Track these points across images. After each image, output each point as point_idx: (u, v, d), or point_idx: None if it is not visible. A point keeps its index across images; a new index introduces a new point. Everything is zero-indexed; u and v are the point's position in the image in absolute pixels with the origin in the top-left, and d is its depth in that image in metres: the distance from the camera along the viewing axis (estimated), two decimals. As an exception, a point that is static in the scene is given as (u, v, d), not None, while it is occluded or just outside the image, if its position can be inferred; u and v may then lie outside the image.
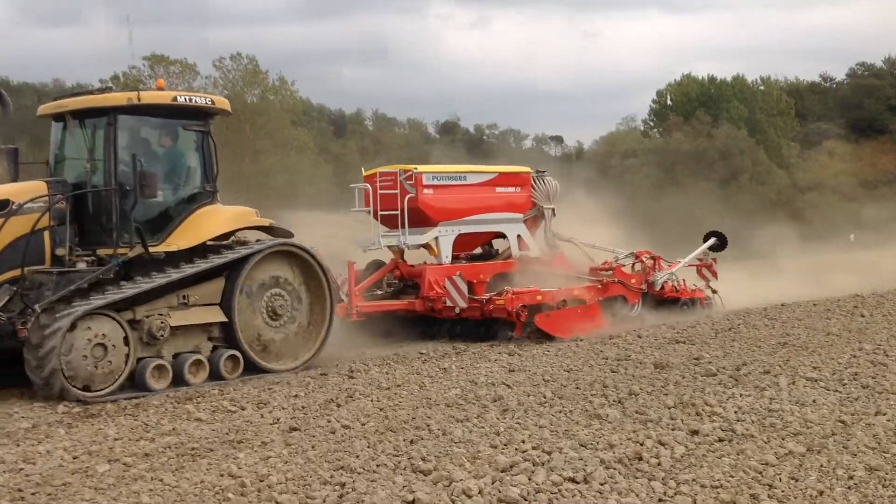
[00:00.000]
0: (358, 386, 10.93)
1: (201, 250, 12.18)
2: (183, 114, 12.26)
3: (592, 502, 6.15)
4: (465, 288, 14.84)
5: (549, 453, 7.23)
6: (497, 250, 17.51)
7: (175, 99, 12.06)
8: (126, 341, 11.04)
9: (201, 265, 11.88)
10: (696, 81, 67.47)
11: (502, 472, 6.82)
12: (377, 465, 7.24)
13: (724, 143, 55.53)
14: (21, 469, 7.48)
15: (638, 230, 22.83)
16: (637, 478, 6.66)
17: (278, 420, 9.17)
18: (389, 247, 15.81)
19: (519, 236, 17.02)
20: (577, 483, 6.52)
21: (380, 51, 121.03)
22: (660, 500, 6.21)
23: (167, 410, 9.83)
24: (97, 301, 10.81)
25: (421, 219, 15.76)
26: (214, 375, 11.74)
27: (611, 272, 16.88)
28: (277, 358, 12.53)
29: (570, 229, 18.03)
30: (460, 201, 16.15)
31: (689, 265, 18.72)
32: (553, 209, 17.63)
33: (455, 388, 10.48)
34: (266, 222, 13.15)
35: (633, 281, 17.16)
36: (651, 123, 69.70)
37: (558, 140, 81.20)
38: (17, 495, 6.74)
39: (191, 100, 12.28)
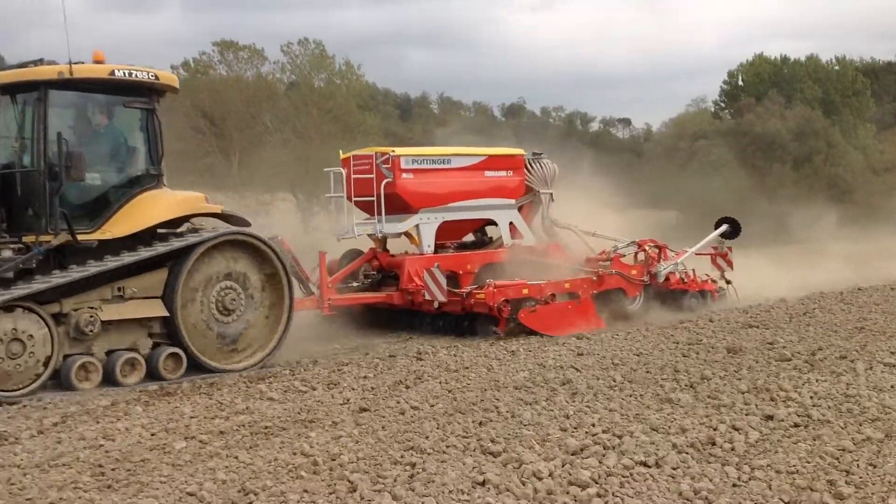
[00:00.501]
0: (426, 368, 10.98)
1: (148, 239, 11.26)
2: (123, 89, 11.23)
3: (665, 486, 6.09)
4: (443, 280, 13.71)
5: (619, 437, 7.18)
6: (491, 238, 16.54)
7: (113, 73, 11.01)
8: (50, 336, 10.20)
9: (142, 254, 10.94)
10: (769, 62, 65.90)
11: (572, 454, 6.79)
12: (447, 447, 7.28)
13: (797, 124, 54.21)
14: (101, 445, 7.68)
15: (695, 214, 22.41)
16: (710, 462, 6.57)
17: (348, 400, 9.27)
18: (370, 235, 14.87)
19: (511, 224, 15.92)
20: (649, 467, 6.47)
21: (446, 34, 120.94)
22: (734, 485, 6.12)
23: (240, 390, 10.00)
24: (16, 291, 9.97)
25: (400, 205, 14.72)
26: (155, 375, 10.88)
27: (608, 263, 15.47)
28: (227, 356, 11.59)
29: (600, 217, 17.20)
30: (444, 186, 15.08)
31: (699, 254, 17.21)
32: (551, 194, 16.45)
33: (523, 371, 10.46)
34: (217, 209, 12.10)
35: (634, 272, 15.69)
36: (722, 105, 68.36)
37: (626, 122, 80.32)
38: (98, 471, 6.93)
39: (130, 74, 11.13)
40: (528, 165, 16.14)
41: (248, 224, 12.16)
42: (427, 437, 7.54)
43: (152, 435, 8.02)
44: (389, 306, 14.64)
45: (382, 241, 15.04)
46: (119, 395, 10.00)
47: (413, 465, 6.74)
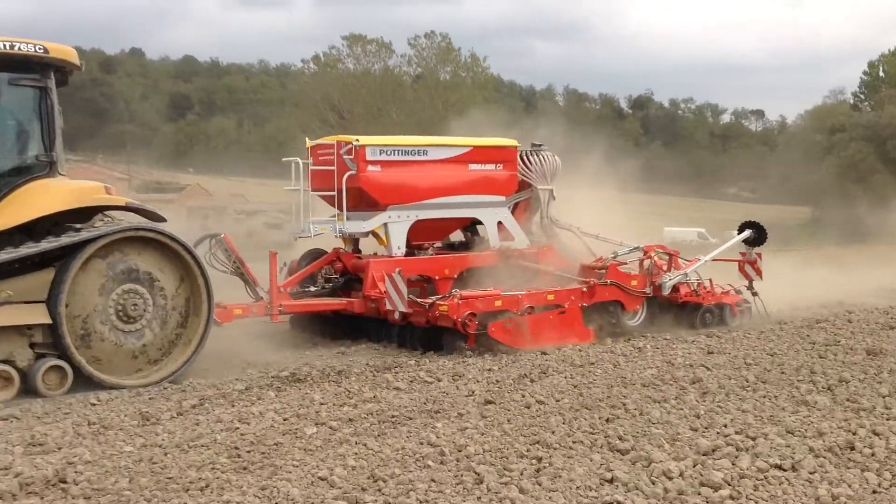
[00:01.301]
0: (551, 362, 10.91)
1: (43, 234, 9.86)
2: (6, 65, 9.79)
3: (801, 491, 5.90)
4: (404, 288, 11.80)
5: (753, 439, 6.98)
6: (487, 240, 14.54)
7: None
8: None
9: (20, 251, 9.51)
10: (913, 51, 62.87)
11: (704, 455, 6.65)
12: (573, 442, 7.23)
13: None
14: (237, 428, 7.94)
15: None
16: (849, 468, 6.34)
17: (473, 392, 9.30)
18: (339, 235, 13.16)
19: (500, 223, 14.13)
20: (785, 470, 6.27)
21: (572, 25, 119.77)
22: (874, 491, 5.89)
23: (367, 379, 10.17)
24: None
25: (365, 201, 13.10)
26: (35, 391, 9.45)
27: (604, 271, 13.27)
28: (128, 369, 10.12)
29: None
30: (419, 180, 13.33)
31: (717, 260, 14.99)
32: (551, 190, 14.73)
33: (651, 369, 10.29)
34: (121, 201, 10.60)
35: (634, 283, 13.38)
36: (862, 96, 65.56)
37: (759, 114, 77.89)
38: (234, 452, 7.17)
39: (12, 46, 9.66)
40: (525, 158, 14.48)
41: (161, 219, 10.57)
42: (553, 432, 7.50)
43: (284, 420, 8.24)
44: (353, 315, 12.97)
45: (354, 241, 13.61)
46: (253, 379, 10.31)
47: (539, 460, 6.72)
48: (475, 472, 6.45)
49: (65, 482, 6.38)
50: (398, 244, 13.15)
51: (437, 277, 13.10)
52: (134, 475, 6.54)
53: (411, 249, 13.47)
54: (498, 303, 11.88)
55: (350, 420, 8.18)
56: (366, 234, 13.34)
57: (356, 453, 7.09)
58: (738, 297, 14.44)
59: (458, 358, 11.45)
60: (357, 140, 12.79)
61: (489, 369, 10.61)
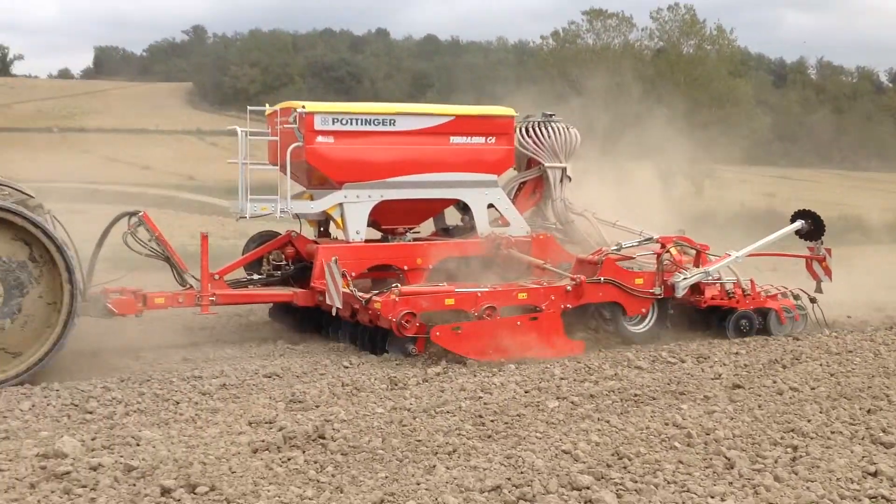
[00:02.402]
0: (804, 348, 10.36)
1: None
2: None
3: None
4: (340, 280, 10.06)
5: None
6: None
7: None
8: None
9: None
10: None
11: (984, 455, 6.08)
12: (831, 432, 6.85)
13: None
14: (480, 397, 8.10)
15: None
16: None
17: (720, 376, 8.99)
18: (297, 216, 11.57)
19: (492, 206, 12.03)
20: None
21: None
22: None
23: (608, 357, 10.05)
24: None
25: (315, 178, 11.48)
26: None
27: (599, 265, 10.77)
28: None
29: None
30: (383, 155, 11.31)
31: (753, 255, 12.15)
32: (564, 169, 12.57)
33: (917, 359, 9.53)
34: None
35: (639, 281, 10.93)
36: None
37: None
38: (479, 420, 7.32)
39: None
40: (531, 131, 12.39)
41: (30, 197, 9.24)
42: (809, 421, 7.13)
43: (526, 392, 8.31)
44: (308, 307, 11.23)
45: (320, 223, 12.04)
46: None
47: (795, 448, 6.41)
48: (725, 457, 6.24)
49: (323, 438, 6.75)
50: (356, 228, 11.24)
51: (405, 268, 11.27)
52: (386, 435, 6.83)
53: (386, 235, 11.89)
54: (449, 301, 9.95)
55: (591, 396, 8.13)
56: (322, 216, 11.61)
57: (599, 429, 7.04)
58: (788, 301, 11.88)
59: (701, 339, 11.07)
60: (303, 106, 10.97)
61: (736, 353, 10.22)
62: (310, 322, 11.54)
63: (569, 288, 10.45)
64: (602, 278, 10.62)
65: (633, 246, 11.22)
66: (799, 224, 12.45)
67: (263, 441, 6.63)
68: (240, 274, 11.55)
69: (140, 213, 10.50)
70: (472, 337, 9.76)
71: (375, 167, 11.25)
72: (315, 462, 6.26)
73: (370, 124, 11.19)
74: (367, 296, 9.91)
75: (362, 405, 7.87)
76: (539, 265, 11.29)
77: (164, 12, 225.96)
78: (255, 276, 11.43)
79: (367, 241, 11.35)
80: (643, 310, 11.00)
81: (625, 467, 6.14)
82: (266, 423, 7.21)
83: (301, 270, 11.34)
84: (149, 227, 10.52)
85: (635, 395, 8.17)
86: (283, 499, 5.52)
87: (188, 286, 10.72)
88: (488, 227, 11.83)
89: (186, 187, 43.31)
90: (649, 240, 11.30)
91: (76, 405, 7.79)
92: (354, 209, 11.22)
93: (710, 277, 11.27)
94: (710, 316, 11.51)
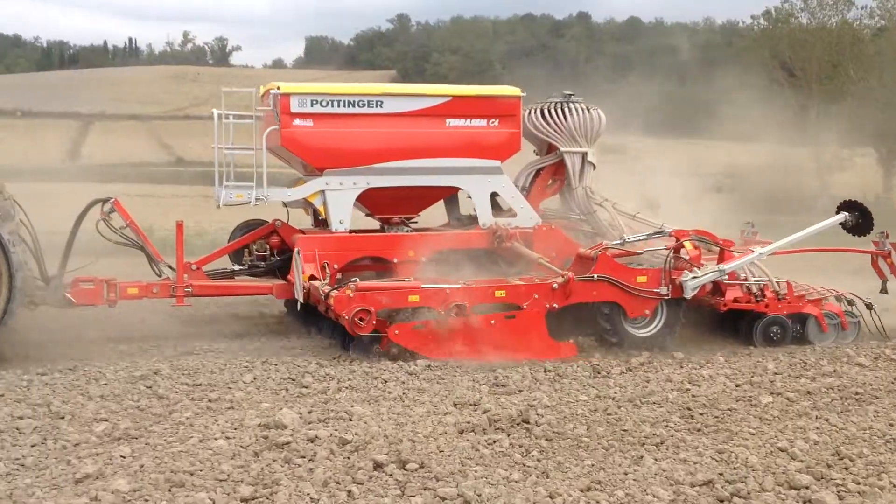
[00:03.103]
0: None
1: None
2: None
3: None
4: (300, 271, 9.59)
5: None
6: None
7: None
8: None
9: None
10: None
11: None
12: None
13: None
14: (688, 389, 7.89)
15: None
16: None
17: (951, 375, 8.35)
18: (286, 204, 10.96)
19: (496, 195, 11.15)
20: None
21: None
22: None
23: (825, 352, 9.53)
24: None
25: (300, 164, 10.92)
26: None
27: (594, 261, 9.81)
28: None
29: None
30: (368, 139, 10.53)
31: (777, 253, 10.54)
32: (584, 154, 11.46)
33: None
34: None
35: (642, 279, 9.86)
36: None
37: None
38: (687, 413, 7.13)
39: None
40: (547, 112, 11.39)
41: None
42: None
43: (737, 386, 8.01)
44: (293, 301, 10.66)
45: (315, 210, 11.24)
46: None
47: None
48: (961, 465, 5.78)
49: (527, 422, 6.77)
50: (340, 217, 10.52)
51: (395, 260, 10.53)
52: (591, 423, 6.77)
53: (383, 225, 11.19)
54: (414, 298, 9.22)
55: (808, 392, 7.75)
56: (305, 205, 11.07)
57: (817, 428, 6.71)
58: (834, 306, 10.46)
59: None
60: (278, 87, 10.36)
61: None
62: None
63: (555, 286, 9.57)
64: (595, 276, 9.71)
65: (638, 240, 10.16)
66: (842, 217, 10.95)
67: (469, 423, 6.74)
68: (225, 263, 11.32)
69: (111, 200, 10.26)
70: (437, 336, 9.13)
71: (360, 152, 10.54)
72: (520, 446, 6.30)
73: (354, 106, 10.47)
74: (327, 290, 9.28)
75: (565, 392, 7.84)
76: (535, 259, 10.33)
77: (371, 1, 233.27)
78: (237, 267, 11.11)
79: (353, 231, 10.71)
80: (646, 311, 9.89)
81: (846, 468, 5.83)
82: (470, 405, 7.31)
83: (288, 261, 10.63)
84: (121, 214, 10.26)
85: (856, 394, 7.73)
86: (489, 480, 5.58)
87: (165, 276, 10.47)
88: (491, 217, 10.97)
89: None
90: (660, 233, 10.26)
91: (293, 379, 8.18)
92: (337, 197, 10.54)
93: (727, 276, 9.99)
94: (741, 320, 10.33)
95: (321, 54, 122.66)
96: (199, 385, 7.92)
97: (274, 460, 5.89)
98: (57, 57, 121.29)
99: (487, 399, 7.47)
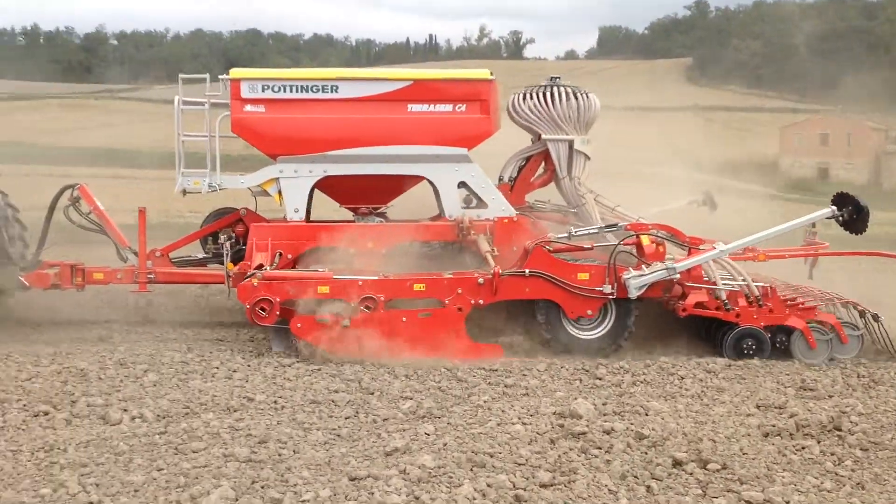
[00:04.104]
0: None
1: None
2: None
3: None
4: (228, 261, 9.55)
5: None
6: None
7: None
8: None
9: None
10: None
11: None
12: None
13: None
14: None
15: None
16: None
17: None
18: (252, 190, 10.36)
19: (464, 184, 10.07)
20: None
21: None
22: None
23: None
24: None
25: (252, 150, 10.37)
26: None
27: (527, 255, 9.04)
28: None
29: None
30: (323, 125, 9.90)
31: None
32: (571, 142, 10.28)
33: None
34: None
35: (584, 277, 8.95)
36: None
37: None
38: None
39: None
40: (529, 98, 10.40)
41: None
42: None
43: None
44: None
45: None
46: None
47: None
48: None
49: (840, 430, 6.36)
50: (295, 206, 10.07)
51: (350, 251, 9.83)
52: (913, 436, 6.22)
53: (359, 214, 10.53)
54: (323, 289, 8.78)
55: None
56: (263, 192, 10.39)
57: None
58: (828, 315, 8.96)
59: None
60: (229, 74, 10.02)
61: None
62: None
63: (481, 280, 8.92)
64: (527, 271, 8.95)
65: (586, 234, 9.33)
66: (829, 211, 9.55)
67: (774, 426, 6.43)
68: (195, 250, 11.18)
69: (77, 186, 10.50)
70: (344, 331, 8.69)
71: (314, 139, 10.10)
72: (832, 454, 5.94)
73: (307, 91, 10.06)
74: (231, 274, 9.44)
75: (881, 399, 7.32)
76: (485, 253, 9.44)
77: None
78: (200, 256, 11.00)
79: (310, 220, 10.34)
80: (589, 311, 9.06)
81: None
82: (776, 407, 6.98)
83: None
84: (85, 200, 10.51)
85: None
86: (798, 487, 5.29)
87: (128, 262, 10.57)
88: (458, 208, 10.16)
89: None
90: (614, 227, 9.36)
91: (587, 370, 8.21)
92: (292, 185, 10.15)
93: (678, 275, 8.90)
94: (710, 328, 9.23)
95: (614, 44, 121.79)
96: (496, 370, 8.15)
97: (570, 449, 5.92)
98: (364, 54, 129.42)
99: (794, 402, 7.09)
